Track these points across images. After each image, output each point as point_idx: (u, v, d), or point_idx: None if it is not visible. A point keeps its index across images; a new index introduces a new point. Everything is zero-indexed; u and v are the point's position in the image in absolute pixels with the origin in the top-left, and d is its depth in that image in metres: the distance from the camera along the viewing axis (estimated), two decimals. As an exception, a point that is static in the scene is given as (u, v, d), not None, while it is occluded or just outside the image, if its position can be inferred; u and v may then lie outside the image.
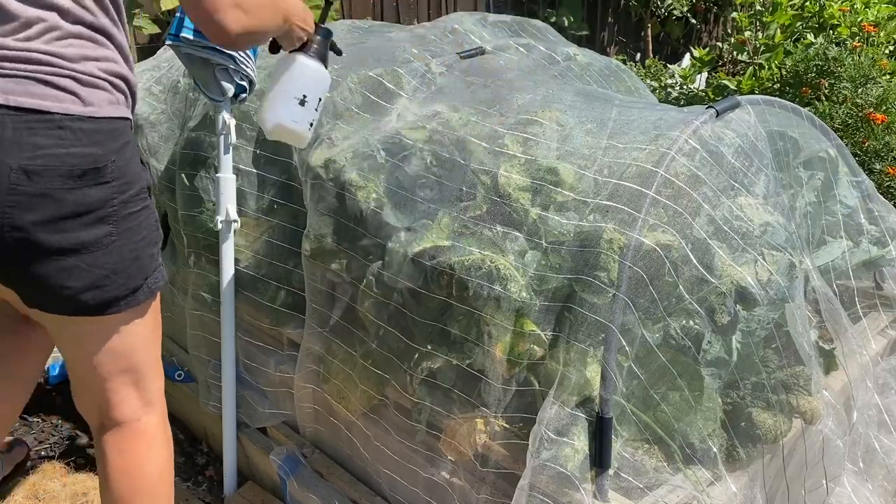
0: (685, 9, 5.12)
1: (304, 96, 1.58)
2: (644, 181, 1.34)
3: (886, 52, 3.63)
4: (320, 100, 1.62)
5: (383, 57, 1.96)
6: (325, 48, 1.64)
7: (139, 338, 1.37)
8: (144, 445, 1.42)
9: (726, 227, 1.39)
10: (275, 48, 1.64)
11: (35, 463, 2.18)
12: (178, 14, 1.70)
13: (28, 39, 1.12)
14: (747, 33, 4.49)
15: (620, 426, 1.31)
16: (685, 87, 3.92)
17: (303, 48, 1.59)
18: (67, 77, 1.14)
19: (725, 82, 3.60)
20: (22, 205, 1.12)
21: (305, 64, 1.58)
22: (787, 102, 1.68)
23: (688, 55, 4.89)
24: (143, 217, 1.28)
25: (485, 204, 1.47)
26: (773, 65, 3.54)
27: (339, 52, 1.74)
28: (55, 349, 2.41)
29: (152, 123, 2.14)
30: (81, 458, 2.25)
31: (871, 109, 2.87)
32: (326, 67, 1.64)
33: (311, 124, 1.61)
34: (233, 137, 1.79)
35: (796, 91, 3.13)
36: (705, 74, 4.16)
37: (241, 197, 1.86)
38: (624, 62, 4.02)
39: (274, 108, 1.58)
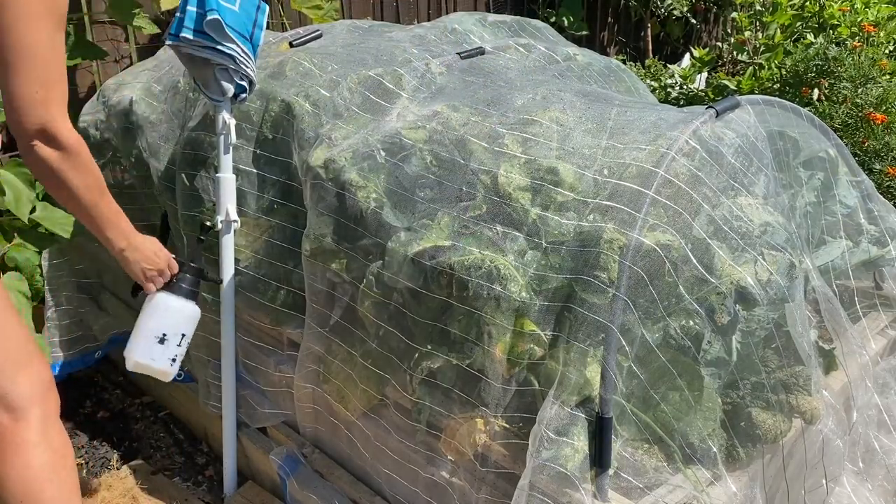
0: (685, 9, 5.11)
1: (164, 335, 1.64)
2: (644, 181, 1.34)
3: (886, 52, 3.63)
4: (183, 335, 1.68)
5: (383, 57, 1.96)
6: (195, 284, 1.73)
7: None
8: (10, 452, 1.28)
9: (726, 227, 1.39)
10: (135, 291, 1.71)
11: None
12: (177, 14, 1.70)
13: None
14: (747, 33, 4.49)
15: (620, 426, 1.31)
16: (685, 87, 3.92)
17: (168, 285, 1.67)
18: None
19: (725, 82, 3.60)
20: None
21: (165, 303, 1.66)
22: (787, 102, 1.68)
23: (688, 55, 4.89)
24: None
25: (485, 204, 1.47)
26: (773, 65, 3.54)
27: (218, 281, 1.81)
28: (52, 352, 2.41)
29: (152, 123, 2.14)
30: (80, 458, 2.25)
31: (871, 109, 2.87)
32: (195, 300, 1.71)
33: (174, 360, 1.67)
34: (233, 137, 1.80)
35: (796, 91, 3.13)
36: (705, 74, 4.16)
37: (241, 197, 1.86)
38: (624, 62, 4.02)
39: (135, 345, 1.65)
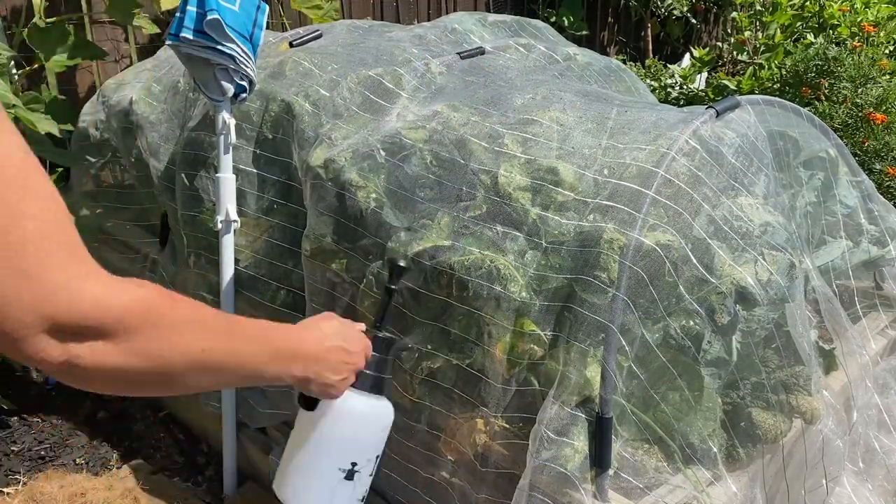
0: (685, 9, 5.11)
1: (354, 465, 1.06)
2: (644, 181, 1.34)
3: (886, 52, 3.63)
4: (377, 457, 1.13)
5: (383, 57, 1.96)
6: (383, 368, 1.14)
7: None
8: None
9: (726, 227, 1.39)
10: (310, 403, 1.10)
11: (34, 464, 2.18)
12: (177, 14, 1.70)
13: None
14: (747, 33, 4.49)
15: (620, 426, 1.31)
16: (685, 87, 3.92)
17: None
18: None
19: (725, 82, 3.60)
20: None
21: (359, 412, 1.06)
22: (787, 102, 1.68)
23: (688, 55, 4.89)
24: None
25: (485, 204, 1.47)
26: (773, 65, 3.54)
27: (409, 347, 1.21)
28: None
29: (152, 123, 2.14)
30: (80, 458, 2.25)
31: (871, 109, 2.87)
32: (384, 393, 1.13)
33: (363, 499, 1.12)
34: (233, 137, 1.79)
35: (796, 91, 3.13)
36: (705, 74, 4.16)
37: (241, 197, 1.86)
38: (624, 62, 4.02)
39: (304, 488, 1.05)
